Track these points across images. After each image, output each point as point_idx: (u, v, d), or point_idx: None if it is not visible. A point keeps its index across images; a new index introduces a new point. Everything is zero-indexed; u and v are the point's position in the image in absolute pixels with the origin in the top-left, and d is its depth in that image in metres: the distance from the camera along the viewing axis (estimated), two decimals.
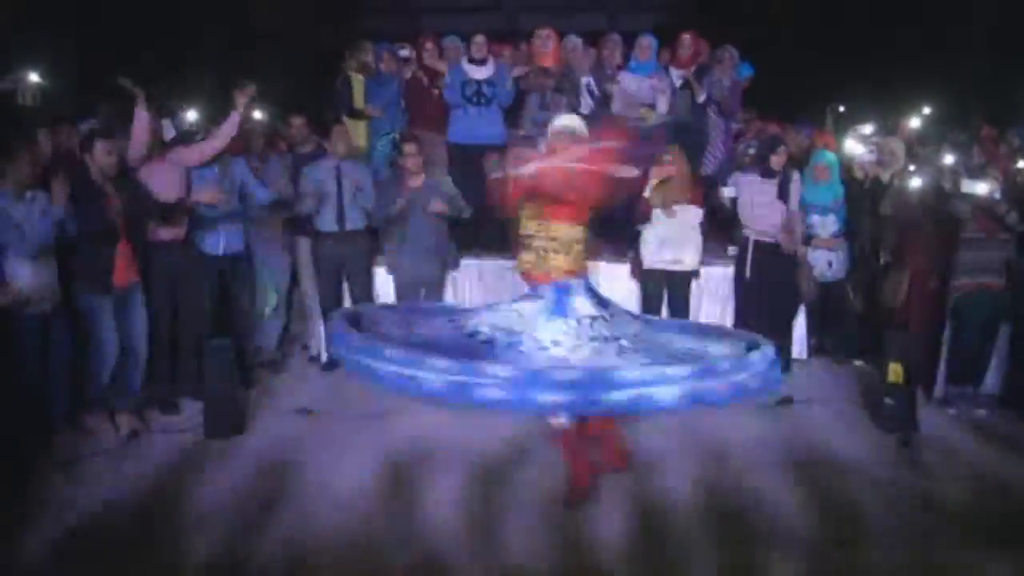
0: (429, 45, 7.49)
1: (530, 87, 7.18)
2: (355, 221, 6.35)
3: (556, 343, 3.83)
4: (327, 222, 6.32)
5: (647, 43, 7.33)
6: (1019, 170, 5.56)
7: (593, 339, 3.87)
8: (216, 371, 5.37)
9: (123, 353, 5.30)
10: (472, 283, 6.85)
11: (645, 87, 7.03)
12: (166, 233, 5.53)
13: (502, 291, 6.70)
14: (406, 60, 7.66)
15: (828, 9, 10.25)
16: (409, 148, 6.26)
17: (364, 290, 6.53)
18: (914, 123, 7.10)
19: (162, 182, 5.48)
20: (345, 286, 6.55)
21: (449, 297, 6.64)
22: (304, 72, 9.34)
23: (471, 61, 7.22)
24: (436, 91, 7.36)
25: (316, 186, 6.24)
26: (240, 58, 9.64)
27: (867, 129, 6.99)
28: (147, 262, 5.45)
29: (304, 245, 6.65)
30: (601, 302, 4.17)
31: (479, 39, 7.30)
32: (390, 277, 6.53)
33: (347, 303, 6.54)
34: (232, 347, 5.55)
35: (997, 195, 5.46)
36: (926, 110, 7.99)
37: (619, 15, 11.62)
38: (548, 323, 3.92)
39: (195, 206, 5.59)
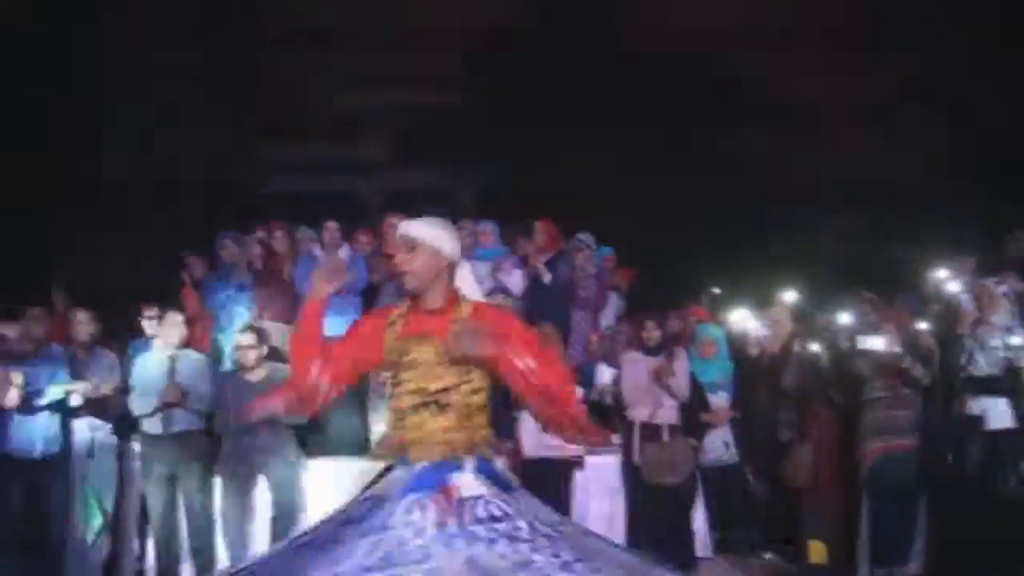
0: (279, 232, 6.99)
1: (382, 277, 6.78)
2: (185, 422, 5.63)
3: None
4: (152, 423, 5.61)
5: (489, 229, 7.36)
6: (918, 331, 5.34)
7: None
8: None
9: None
10: (326, 485, 5.96)
11: (492, 272, 6.94)
12: None
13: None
14: (256, 247, 7.17)
15: (688, 193, 10.41)
16: (243, 339, 5.76)
17: (202, 506, 5.70)
18: (789, 297, 6.93)
19: None
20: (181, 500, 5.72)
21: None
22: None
23: (322, 248, 6.81)
24: (286, 280, 6.79)
25: (144, 381, 5.60)
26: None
27: (741, 313, 6.79)
28: None
29: (133, 451, 5.89)
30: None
31: (331, 225, 6.95)
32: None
33: (182, 520, 5.72)
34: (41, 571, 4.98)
35: (897, 348, 5.26)
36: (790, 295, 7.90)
37: (471, 206, 11.67)
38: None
39: None
